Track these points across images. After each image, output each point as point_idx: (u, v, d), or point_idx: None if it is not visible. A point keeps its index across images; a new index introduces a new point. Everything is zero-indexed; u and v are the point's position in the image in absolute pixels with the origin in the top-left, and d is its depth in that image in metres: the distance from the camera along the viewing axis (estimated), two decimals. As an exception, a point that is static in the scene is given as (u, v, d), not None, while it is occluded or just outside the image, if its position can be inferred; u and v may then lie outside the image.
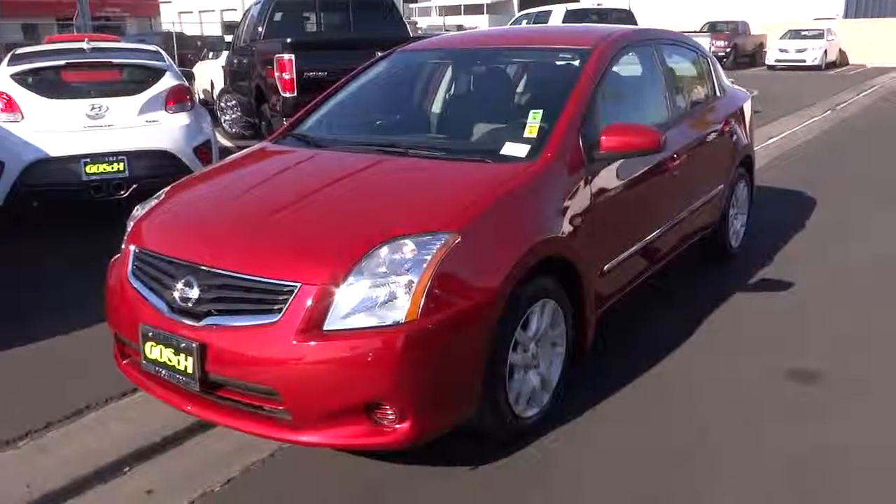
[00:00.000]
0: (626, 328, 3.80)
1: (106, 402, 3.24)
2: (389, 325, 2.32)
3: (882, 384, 3.28)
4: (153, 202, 3.16)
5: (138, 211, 3.12)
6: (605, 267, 3.22)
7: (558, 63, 3.56)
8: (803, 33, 25.72)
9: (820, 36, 25.50)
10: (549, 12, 13.62)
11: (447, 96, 3.88)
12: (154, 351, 2.59)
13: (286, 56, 6.56)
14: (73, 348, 3.80)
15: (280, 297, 2.39)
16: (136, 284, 2.76)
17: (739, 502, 2.50)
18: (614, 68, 3.52)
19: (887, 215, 6.11)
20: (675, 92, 4.04)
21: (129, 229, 3.04)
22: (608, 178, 3.18)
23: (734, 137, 4.68)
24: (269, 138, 3.76)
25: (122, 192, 5.72)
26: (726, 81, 4.96)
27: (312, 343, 2.32)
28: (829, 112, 13.16)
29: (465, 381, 2.49)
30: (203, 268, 2.55)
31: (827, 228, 5.75)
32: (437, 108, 3.80)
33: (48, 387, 3.38)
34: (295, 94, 6.62)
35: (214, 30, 39.25)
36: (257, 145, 3.68)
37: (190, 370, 2.48)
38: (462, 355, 2.46)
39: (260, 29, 8.17)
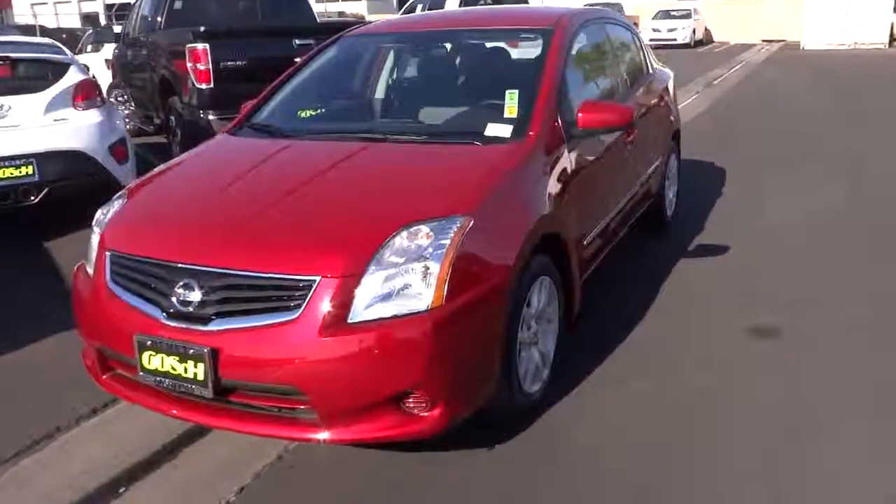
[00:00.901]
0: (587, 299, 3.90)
1: (77, 422, 3.00)
2: (415, 313, 2.28)
3: (829, 333, 3.55)
4: (117, 203, 2.94)
5: (104, 214, 2.90)
6: (585, 240, 3.30)
7: (524, 43, 3.58)
8: (672, 13, 27.18)
9: (688, 16, 27.01)
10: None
11: (411, 80, 3.83)
12: (153, 360, 2.43)
13: (200, 46, 6.23)
14: (18, 367, 3.49)
15: (297, 293, 2.29)
16: (120, 292, 2.57)
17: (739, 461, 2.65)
18: (574, 46, 3.59)
19: (790, 179, 6.60)
20: (625, 68, 4.18)
21: (97, 233, 2.82)
22: (583, 153, 3.26)
23: (668, 111, 4.89)
24: (224, 130, 3.58)
25: (33, 198, 5.28)
26: (654, 59, 5.17)
27: (337, 337, 2.25)
28: (708, 87, 13.98)
29: (487, 362, 2.50)
30: (204, 269, 2.40)
31: (741, 193, 6.14)
32: (402, 92, 3.74)
33: (1, 412, 3.10)
34: (211, 85, 6.31)
35: (73, 21, 36.75)
36: (217, 137, 3.49)
37: (201, 377, 2.34)
38: (484, 337, 2.47)
39: (159, 19, 7.71)
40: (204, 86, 6.31)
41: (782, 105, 11.62)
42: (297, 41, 6.67)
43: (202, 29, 6.31)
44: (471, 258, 2.41)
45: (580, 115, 3.13)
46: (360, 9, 44.45)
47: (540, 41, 3.46)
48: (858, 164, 7.13)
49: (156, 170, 3.22)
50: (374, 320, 2.28)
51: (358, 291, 2.29)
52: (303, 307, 2.27)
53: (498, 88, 3.31)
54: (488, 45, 3.76)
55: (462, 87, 3.61)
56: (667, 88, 5.06)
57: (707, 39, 28.52)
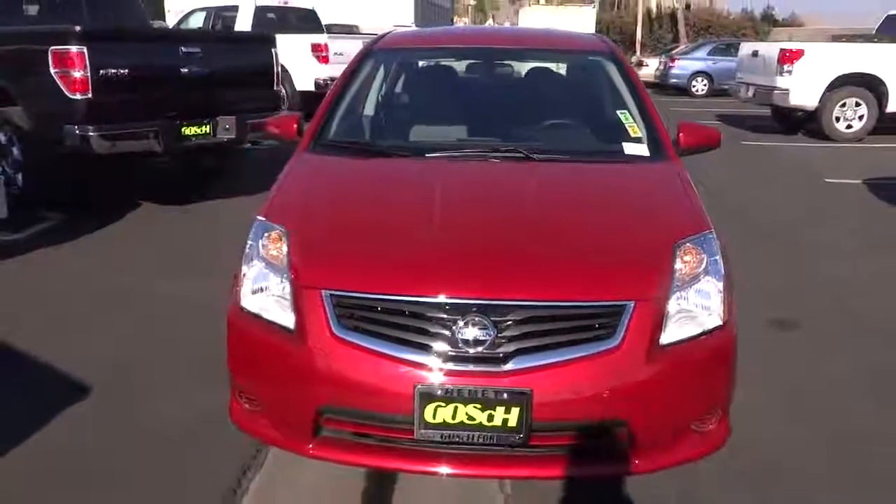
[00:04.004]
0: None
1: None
2: (713, 330, 2.30)
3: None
4: (274, 234, 2.43)
5: (269, 247, 2.38)
6: None
7: (593, 65, 3.65)
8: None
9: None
10: (236, 7, 12.73)
11: (491, 98, 3.63)
12: (441, 413, 2.10)
13: (75, 48, 5.15)
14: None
15: (610, 320, 2.17)
16: (363, 340, 2.17)
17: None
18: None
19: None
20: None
21: (275, 271, 2.33)
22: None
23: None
24: (302, 150, 3.10)
25: None
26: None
27: (659, 363, 2.18)
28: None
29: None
30: (495, 302, 2.16)
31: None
32: (488, 110, 3.49)
33: None
34: (89, 95, 5.27)
35: None
36: (308, 157, 3.01)
37: (513, 423, 2.10)
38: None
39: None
40: (79, 96, 5.27)
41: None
42: (184, 48, 5.92)
43: (77, 28, 5.28)
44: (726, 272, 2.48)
45: (681, 135, 3.32)
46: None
47: (611, 64, 3.57)
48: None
49: (278, 197, 2.71)
50: (683, 340, 2.25)
51: (667, 312, 2.24)
52: (621, 333, 2.16)
53: (588, 107, 3.38)
54: (553, 65, 3.77)
55: (548, 106, 3.55)
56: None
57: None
